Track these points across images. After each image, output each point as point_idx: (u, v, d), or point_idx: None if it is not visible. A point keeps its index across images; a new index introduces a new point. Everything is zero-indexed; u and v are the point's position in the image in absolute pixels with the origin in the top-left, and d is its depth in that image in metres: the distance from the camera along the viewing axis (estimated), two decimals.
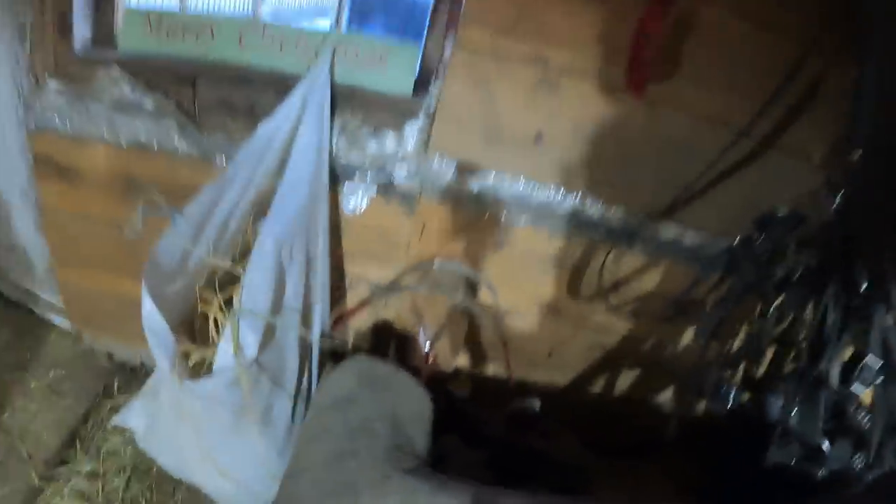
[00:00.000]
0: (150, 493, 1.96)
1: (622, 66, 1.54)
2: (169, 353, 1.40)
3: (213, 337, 1.55)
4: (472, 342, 1.89)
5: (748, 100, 1.54)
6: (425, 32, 1.68)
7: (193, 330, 1.59)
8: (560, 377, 1.93)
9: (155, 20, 1.83)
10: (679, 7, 1.47)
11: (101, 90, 1.85)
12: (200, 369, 1.54)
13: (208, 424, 1.54)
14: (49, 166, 1.99)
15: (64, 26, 1.87)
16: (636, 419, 1.99)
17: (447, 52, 1.59)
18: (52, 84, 1.91)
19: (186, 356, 1.52)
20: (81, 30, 1.87)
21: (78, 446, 2.10)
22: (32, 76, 1.97)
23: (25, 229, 2.31)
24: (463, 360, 1.93)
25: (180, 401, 1.53)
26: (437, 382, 1.76)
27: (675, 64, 1.55)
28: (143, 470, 2.00)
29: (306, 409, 1.64)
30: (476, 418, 1.78)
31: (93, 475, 2.00)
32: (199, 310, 1.56)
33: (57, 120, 1.94)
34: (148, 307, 1.38)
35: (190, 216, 1.48)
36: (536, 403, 1.80)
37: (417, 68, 1.69)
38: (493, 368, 1.93)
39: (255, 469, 1.61)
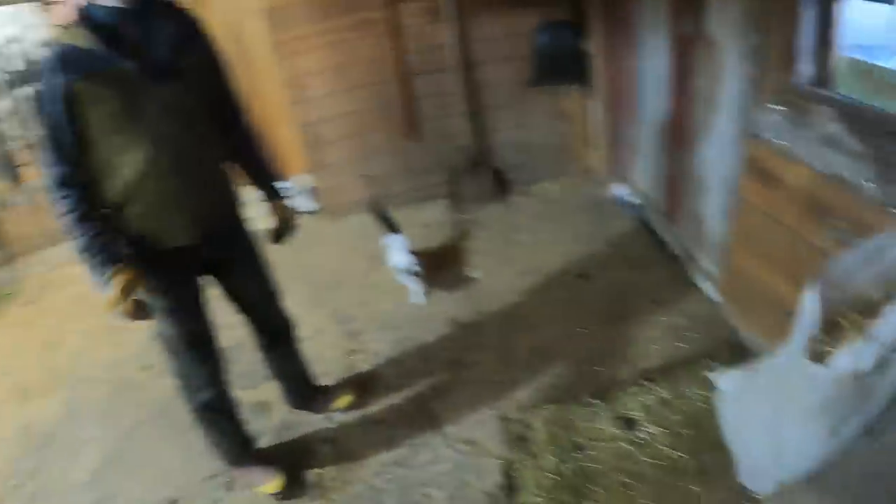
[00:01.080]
0: (691, 440, 2.21)
1: None
2: (807, 338, 1.72)
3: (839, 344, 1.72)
4: None
5: None
6: None
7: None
8: None
9: (868, 72, 1.99)
10: None
11: (813, 122, 2.11)
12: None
13: (796, 404, 1.80)
14: (755, 168, 2.43)
15: (788, 58, 2.18)
16: None
17: None
18: (773, 105, 2.26)
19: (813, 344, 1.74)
20: (803, 66, 2.16)
21: (665, 377, 2.50)
22: (757, 94, 2.36)
23: (712, 207, 2.89)
24: None
25: (785, 379, 1.85)
26: None
27: None
28: (703, 422, 2.26)
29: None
30: None
31: (663, 402, 2.39)
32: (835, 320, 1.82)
33: (770, 134, 2.31)
34: (812, 298, 1.70)
35: (866, 248, 1.74)
36: None
37: None
38: None
39: (803, 456, 1.77)
